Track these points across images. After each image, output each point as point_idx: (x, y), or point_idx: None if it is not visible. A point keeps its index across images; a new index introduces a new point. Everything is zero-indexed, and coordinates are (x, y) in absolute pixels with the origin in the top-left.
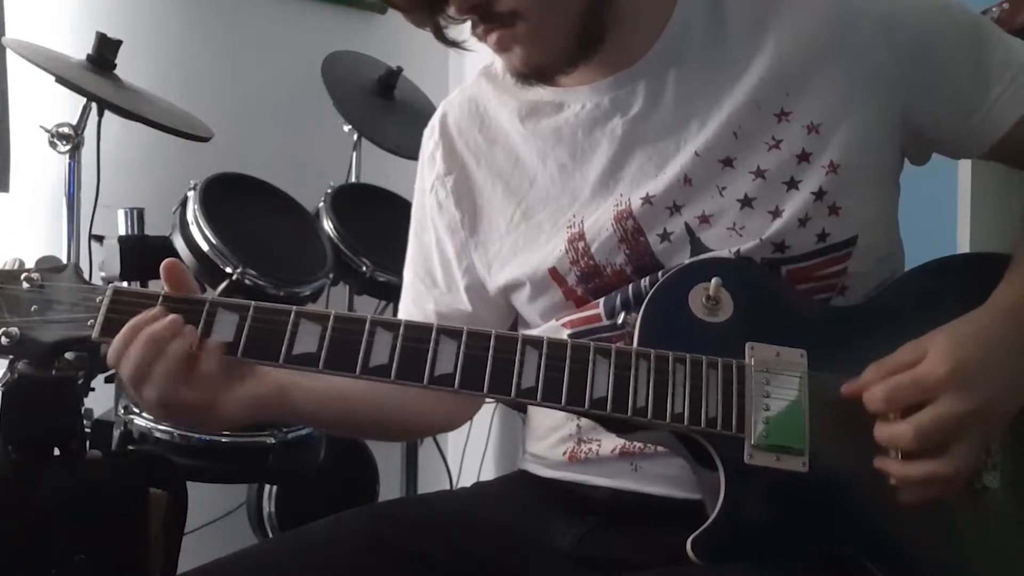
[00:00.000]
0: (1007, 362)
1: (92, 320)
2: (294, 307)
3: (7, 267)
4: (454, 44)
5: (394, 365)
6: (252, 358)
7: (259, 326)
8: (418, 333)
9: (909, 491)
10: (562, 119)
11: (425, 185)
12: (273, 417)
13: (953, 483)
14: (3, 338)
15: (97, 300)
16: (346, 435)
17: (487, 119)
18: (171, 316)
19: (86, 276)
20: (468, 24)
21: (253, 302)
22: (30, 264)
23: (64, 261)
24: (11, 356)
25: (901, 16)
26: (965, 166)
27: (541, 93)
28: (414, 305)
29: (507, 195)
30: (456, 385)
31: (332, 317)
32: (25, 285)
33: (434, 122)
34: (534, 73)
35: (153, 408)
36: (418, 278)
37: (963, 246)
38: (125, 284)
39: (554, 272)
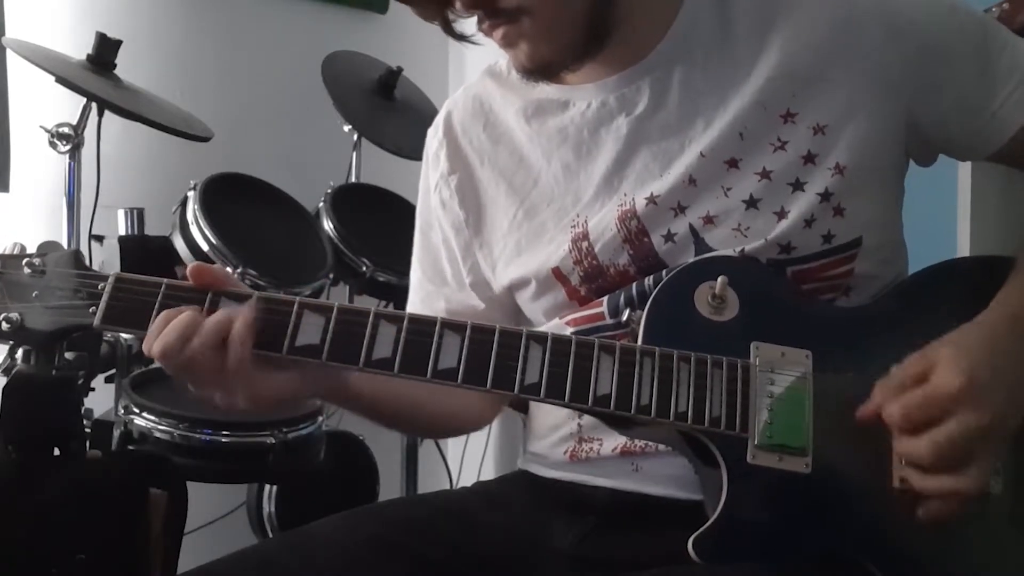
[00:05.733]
0: (1013, 369)
1: (94, 307)
2: (297, 298)
3: (8, 252)
4: (463, 38)
5: (397, 358)
6: (254, 346)
7: (263, 316)
8: (422, 327)
9: (931, 505)
10: (567, 118)
11: (429, 184)
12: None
13: (973, 498)
14: (3, 323)
15: (99, 287)
16: (392, 428)
17: (492, 117)
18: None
19: None
20: (476, 19)
21: (256, 292)
22: (31, 249)
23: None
24: (11, 342)
25: (908, 18)
26: (966, 167)
27: (546, 91)
28: (423, 305)
29: (510, 194)
30: (459, 380)
31: (336, 309)
32: (26, 270)
33: (438, 121)
34: (540, 70)
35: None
36: (426, 278)
37: (963, 247)
38: None
39: (557, 272)
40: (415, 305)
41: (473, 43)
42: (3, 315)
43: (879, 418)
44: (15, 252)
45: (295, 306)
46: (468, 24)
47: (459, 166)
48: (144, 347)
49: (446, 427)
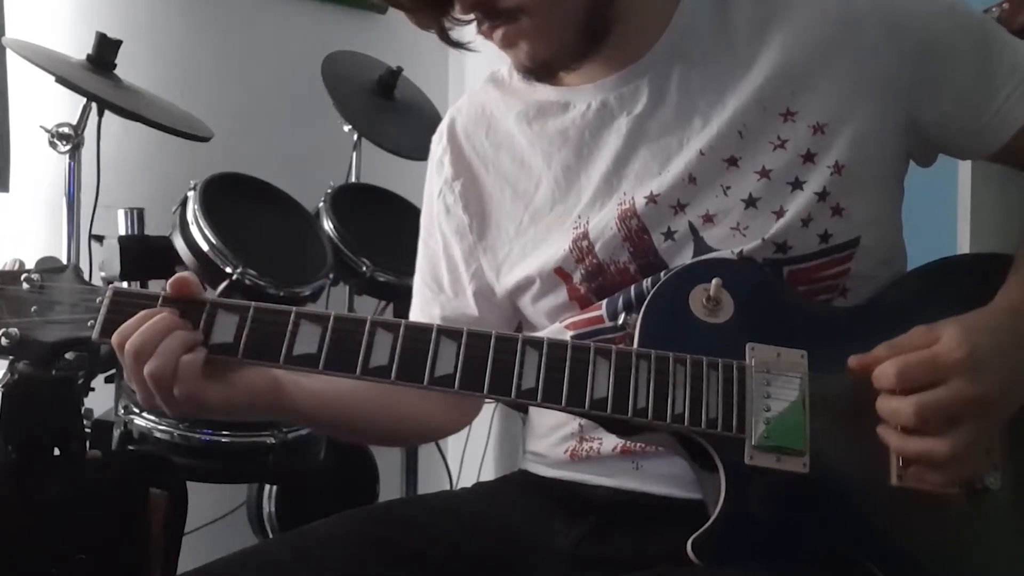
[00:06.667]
0: (1012, 359)
1: (92, 320)
2: (294, 308)
3: (7, 268)
4: (458, 45)
5: (394, 366)
6: (252, 359)
7: (259, 327)
8: (418, 334)
9: (905, 471)
10: (568, 119)
11: (433, 191)
12: (267, 412)
13: (948, 467)
14: (3, 339)
15: (97, 301)
16: (343, 438)
17: (493, 124)
18: (164, 313)
19: (86, 276)
20: (472, 25)
21: (253, 303)
22: (30, 265)
23: (64, 261)
24: (11, 357)
25: (907, 18)
26: (965, 166)
27: (547, 94)
28: (421, 311)
29: (515, 199)
30: (456, 386)
31: (332, 318)
32: (25, 286)
33: (442, 128)
34: (540, 68)
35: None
36: (425, 284)
37: (963, 246)
38: (125, 285)
39: (560, 271)
40: (415, 310)
41: (469, 50)
42: (2, 331)
43: (869, 375)
44: (14, 268)
45: (291, 316)
46: (464, 32)
47: (463, 171)
48: (115, 340)
49: (402, 432)
